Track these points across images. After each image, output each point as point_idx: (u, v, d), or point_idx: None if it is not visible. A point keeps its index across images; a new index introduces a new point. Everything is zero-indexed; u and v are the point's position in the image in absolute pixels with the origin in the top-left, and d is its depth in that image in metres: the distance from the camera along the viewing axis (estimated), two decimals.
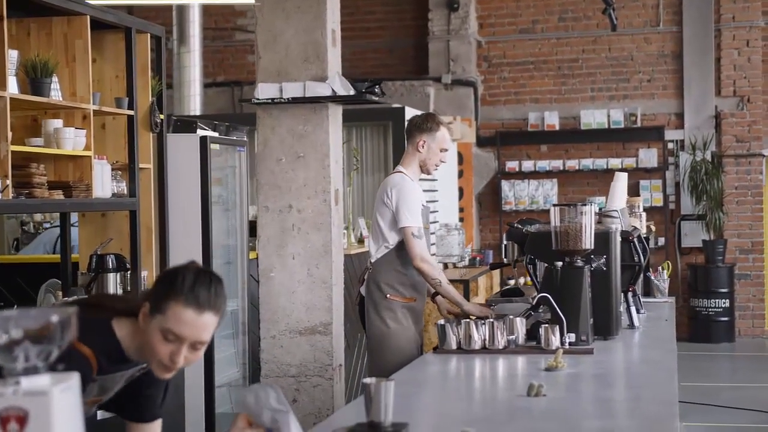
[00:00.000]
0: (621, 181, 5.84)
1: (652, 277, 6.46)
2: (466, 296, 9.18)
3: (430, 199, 10.34)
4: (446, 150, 5.49)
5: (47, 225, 8.53)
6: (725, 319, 12.41)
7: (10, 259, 7.27)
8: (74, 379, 1.87)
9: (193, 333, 2.62)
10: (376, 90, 5.83)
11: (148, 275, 6.03)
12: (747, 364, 11.41)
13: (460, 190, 12.48)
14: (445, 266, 10.68)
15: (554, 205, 4.56)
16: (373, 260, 5.46)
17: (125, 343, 2.74)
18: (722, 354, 11.97)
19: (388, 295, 5.36)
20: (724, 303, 12.38)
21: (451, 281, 9.24)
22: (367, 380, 2.77)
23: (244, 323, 7.05)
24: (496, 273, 11.01)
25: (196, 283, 2.64)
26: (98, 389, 2.81)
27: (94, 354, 2.69)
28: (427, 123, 5.47)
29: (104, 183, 5.52)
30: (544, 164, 13.03)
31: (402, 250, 5.30)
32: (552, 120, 13.07)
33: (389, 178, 5.46)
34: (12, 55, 4.91)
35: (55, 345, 1.86)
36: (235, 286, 7.04)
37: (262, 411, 2.47)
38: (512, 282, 10.99)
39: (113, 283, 5.56)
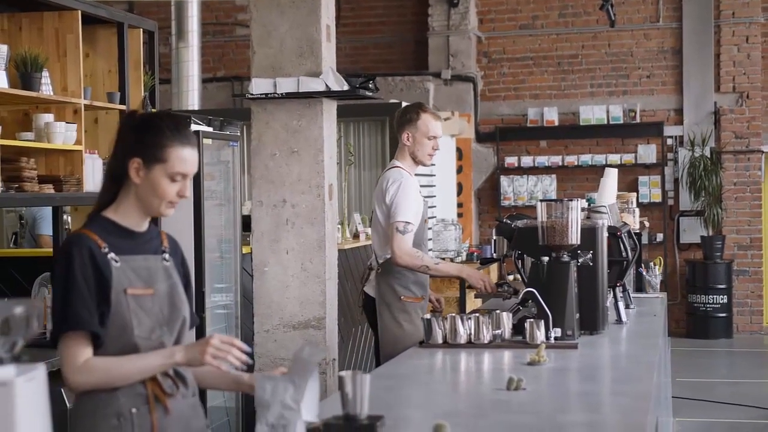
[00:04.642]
0: (610, 176, 5.84)
1: (644, 273, 6.46)
2: (462, 291, 9.18)
3: (428, 194, 10.40)
4: (434, 137, 5.38)
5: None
6: (723, 315, 12.42)
7: (6, 252, 7.29)
8: (40, 370, 1.89)
9: (193, 167, 2.97)
10: (370, 85, 5.82)
11: None
12: (744, 360, 11.41)
13: (459, 186, 12.49)
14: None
15: (541, 201, 4.56)
16: (380, 261, 5.39)
17: (120, 221, 3.00)
18: (720, 350, 11.98)
19: (402, 297, 5.32)
20: (723, 299, 12.38)
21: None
22: (343, 373, 2.79)
23: (237, 317, 7.06)
24: (495, 268, 11.02)
25: (177, 125, 2.95)
26: (134, 275, 2.94)
27: (95, 233, 2.95)
28: (406, 115, 5.41)
29: (95, 177, 5.53)
30: (543, 160, 13.04)
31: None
32: (551, 116, 13.07)
33: (387, 174, 5.40)
34: (2, 50, 4.94)
35: (20, 336, 1.88)
36: (228, 281, 7.05)
37: (272, 404, 2.46)
38: (511, 278, 10.98)
39: None
